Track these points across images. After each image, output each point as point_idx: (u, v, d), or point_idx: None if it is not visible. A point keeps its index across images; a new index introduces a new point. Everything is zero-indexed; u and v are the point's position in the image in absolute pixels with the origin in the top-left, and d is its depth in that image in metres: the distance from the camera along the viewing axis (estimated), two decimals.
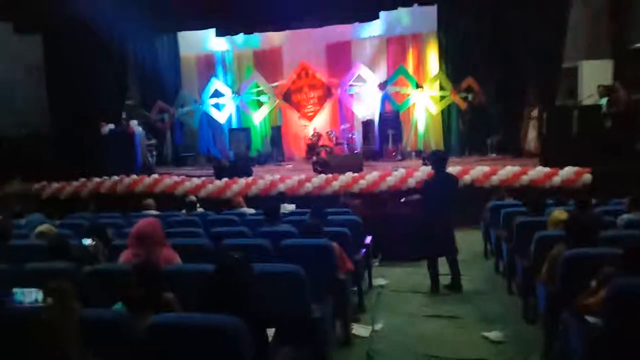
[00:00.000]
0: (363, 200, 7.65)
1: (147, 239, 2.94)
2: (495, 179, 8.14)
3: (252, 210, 6.31)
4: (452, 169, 8.52)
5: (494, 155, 10.86)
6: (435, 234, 5.05)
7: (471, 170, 8.30)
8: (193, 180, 9.20)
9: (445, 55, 12.21)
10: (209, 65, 13.65)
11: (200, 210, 6.57)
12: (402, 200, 5.49)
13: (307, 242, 3.85)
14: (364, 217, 5.36)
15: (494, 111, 11.34)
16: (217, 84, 13.14)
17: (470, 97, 11.69)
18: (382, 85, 12.39)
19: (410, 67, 12.60)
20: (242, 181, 8.87)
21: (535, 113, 10.14)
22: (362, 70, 12.54)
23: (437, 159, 5.27)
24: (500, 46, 10.84)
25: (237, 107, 13.28)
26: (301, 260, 3.13)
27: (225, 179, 9.03)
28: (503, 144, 10.97)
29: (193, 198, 6.77)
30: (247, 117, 13.31)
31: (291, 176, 8.95)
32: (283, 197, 7.11)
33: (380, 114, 12.48)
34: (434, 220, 5.05)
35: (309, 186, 8.52)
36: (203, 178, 9.35)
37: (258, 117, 13.12)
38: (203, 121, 13.29)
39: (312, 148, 12.24)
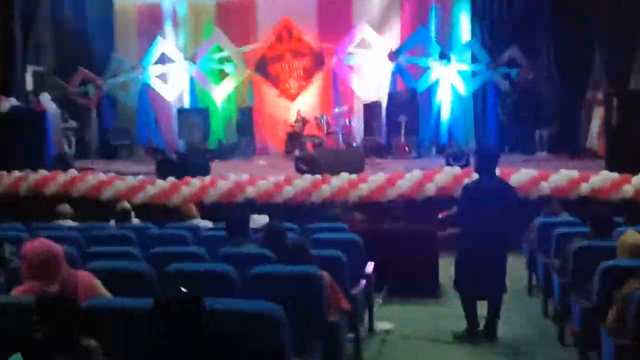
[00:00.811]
0: (364, 213, 7.66)
1: (47, 265, 2.92)
2: (545, 186, 8.21)
3: (209, 223, 6.32)
4: None
5: (544, 154, 10.92)
6: (480, 266, 5.00)
7: (513, 175, 8.32)
8: (127, 180, 9.14)
9: (481, 16, 12.31)
10: (153, 21, 13.56)
11: (136, 221, 6.56)
12: (440, 216, 5.44)
13: (287, 271, 3.82)
14: (364, 236, 5.36)
15: (547, 94, 11.43)
16: (164, 46, 13.04)
17: (513, 74, 11.74)
18: (394, 55, 12.44)
19: (433, 30, 12.65)
20: (196, 182, 8.84)
21: (601, 97, 10.25)
22: (366, 32, 12.54)
23: (484, 157, 5.20)
24: (559, 5, 10.92)
25: (192, 80, 13.22)
26: (278, 295, 3.11)
27: (171, 179, 8.99)
28: (557, 140, 11.08)
29: (126, 205, 6.75)
30: (205, 93, 13.25)
31: (265, 176, 8.92)
32: (252, 205, 7.12)
33: (390, 94, 12.54)
34: (479, 246, 4.99)
35: (289, 191, 8.51)
36: (141, 177, 9.30)
37: (220, 94, 13.08)
38: (144, 98, 13.21)
39: (294, 138, 12.25)
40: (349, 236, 5.30)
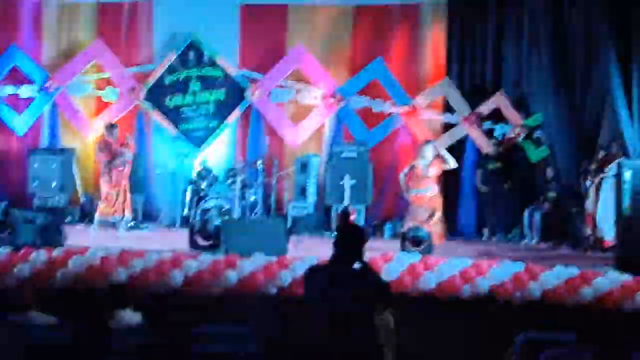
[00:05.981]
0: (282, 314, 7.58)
1: None
2: (534, 288, 8.25)
3: (50, 319, 5.96)
4: (458, 262, 8.65)
5: (535, 242, 11.11)
6: None
7: (492, 269, 8.41)
8: None
9: (459, 47, 12.60)
10: (7, 20, 13.41)
11: None
12: None
13: None
14: (277, 348, 5.30)
15: (545, 160, 11.64)
16: (20, 57, 13.03)
17: (498, 130, 12.03)
18: (339, 93, 12.62)
19: (394, 62, 12.91)
20: (41, 255, 8.59)
21: (610, 166, 10.49)
22: (303, 60, 12.71)
23: (343, 234, 5.15)
24: (559, 40, 11.23)
25: (53, 107, 13.14)
26: None
27: (4, 250, 8.74)
28: (554, 223, 11.24)
29: None
30: (71, 129, 13.22)
31: (144, 252, 8.80)
32: (121, 295, 6.84)
33: (332, 147, 12.68)
34: None
35: (177, 277, 8.32)
36: None
37: (94, 131, 12.96)
38: None
39: (194, 197, 12.08)
40: (247, 348, 5.20)
